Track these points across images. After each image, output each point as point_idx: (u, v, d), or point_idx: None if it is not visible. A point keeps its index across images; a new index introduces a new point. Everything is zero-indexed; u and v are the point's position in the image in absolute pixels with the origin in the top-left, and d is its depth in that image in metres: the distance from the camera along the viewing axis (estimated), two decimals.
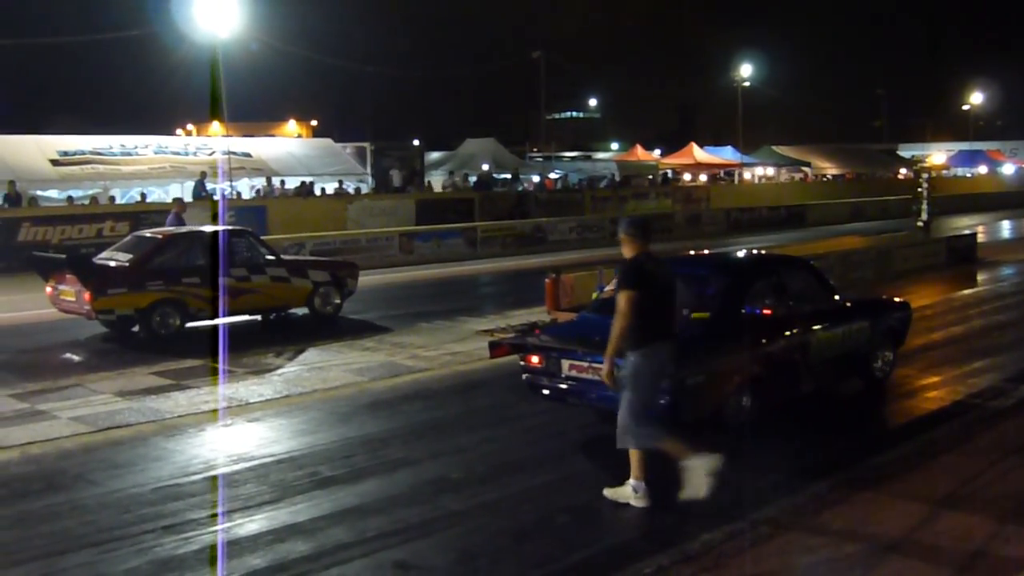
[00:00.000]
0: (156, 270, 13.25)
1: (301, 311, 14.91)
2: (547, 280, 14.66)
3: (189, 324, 13.45)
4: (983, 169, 63.19)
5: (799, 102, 76.06)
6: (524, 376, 8.71)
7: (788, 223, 36.11)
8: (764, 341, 8.48)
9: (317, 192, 30.38)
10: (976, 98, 75.27)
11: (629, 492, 6.78)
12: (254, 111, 60.47)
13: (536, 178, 42.10)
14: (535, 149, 57.54)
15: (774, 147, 58.23)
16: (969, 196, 45.50)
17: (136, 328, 13.37)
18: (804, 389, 9.01)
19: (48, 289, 13.90)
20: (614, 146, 76.08)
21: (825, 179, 55.24)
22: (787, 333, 8.72)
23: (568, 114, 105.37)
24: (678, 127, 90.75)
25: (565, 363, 8.23)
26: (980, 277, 19.87)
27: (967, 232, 24.80)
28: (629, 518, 6.63)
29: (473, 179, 35.21)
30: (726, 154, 55.20)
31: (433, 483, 7.34)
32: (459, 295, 17.80)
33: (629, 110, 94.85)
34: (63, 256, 14.30)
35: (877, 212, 39.65)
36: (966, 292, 17.94)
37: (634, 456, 6.77)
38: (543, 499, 7.09)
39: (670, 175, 48.72)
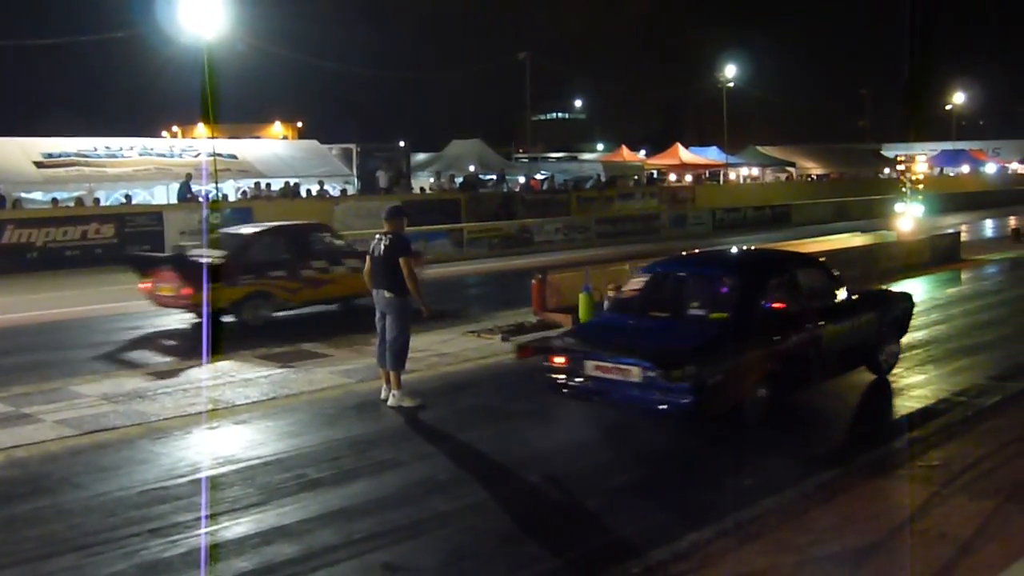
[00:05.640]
0: (247, 265, 14.01)
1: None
2: (533, 281, 14.69)
3: (277, 313, 14.30)
4: (966, 168, 63.54)
5: (784, 102, 76.28)
6: (547, 375, 8.91)
7: (773, 223, 36.21)
8: (779, 338, 8.74)
9: (303, 194, 30.29)
10: (959, 98, 75.68)
11: None
12: (240, 112, 60.22)
13: (522, 179, 42.13)
14: (521, 150, 57.58)
15: (759, 147, 58.41)
16: (952, 196, 45.61)
17: (228, 318, 13.92)
18: (816, 381, 9.38)
19: (146, 285, 14.48)
20: (599, 147, 76.09)
21: (810, 179, 55.41)
22: (801, 329, 8.97)
23: (554, 115, 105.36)
24: (663, 128, 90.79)
25: (590, 363, 8.47)
26: (963, 276, 19.98)
27: (950, 231, 24.92)
28: (617, 518, 6.64)
29: (459, 180, 35.20)
30: (711, 154, 55.32)
31: (420, 484, 7.33)
32: (445, 296, 17.71)
33: (615, 111, 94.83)
34: (163, 255, 15.08)
35: (862, 211, 39.75)
36: (950, 291, 18.04)
37: None
38: (531, 500, 7.10)
39: (655, 176, 48.80)
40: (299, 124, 66.20)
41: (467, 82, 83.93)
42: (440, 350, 12.29)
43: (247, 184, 30.52)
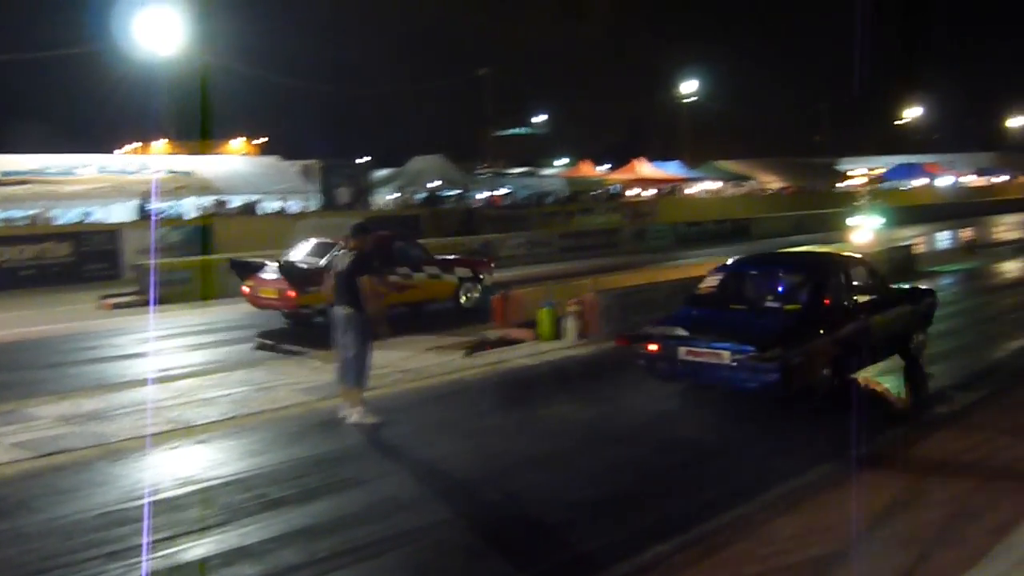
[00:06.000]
0: None
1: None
2: (494, 297, 14.72)
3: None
4: (920, 182, 64.39)
5: (744, 117, 77.00)
6: (640, 361, 10.20)
7: (734, 236, 36.41)
8: (841, 327, 10.09)
9: (265, 210, 30.12)
10: (912, 112, 76.85)
11: None
12: (201, 129, 59.69)
13: (484, 194, 42.20)
14: (485, 165, 57.68)
15: (719, 161, 58.97)
16: (908, 209, 46.10)
17: (320, 319, 14.74)
18: (865, 364, 10.74)
19: (245, 288, 15.80)
20: (562, 162, 76.33)
21: (769, 193, 55.93)
22: (856, 319, 10.35)
23: (517, 130, 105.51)
24: (626, 142, 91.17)
25: (682, 349, 9.70)
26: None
27: (904, 244, 25.22)
28: (582, 532, 6.65)
29: (421, 196, 35.18)
30: (672, 169, 55.77)
31: (384, 502, 7.30)
32: (408, 312, 17.60)
33: (578, 126, 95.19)
34: (263, 262, 16.16)
35: (820, 224, 39.99)
36: None
37: None
38: (495, 515, 7.10)
39: (618, 190, 49.09)
40: (261, 140, 65.84)
41: (430, 97, 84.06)
42: (402, 366, 12.23)
43: (209, 201, 30.30)
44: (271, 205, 31.34)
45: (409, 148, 51.93)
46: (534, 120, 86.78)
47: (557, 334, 13.55)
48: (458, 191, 40.57)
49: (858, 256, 12.89)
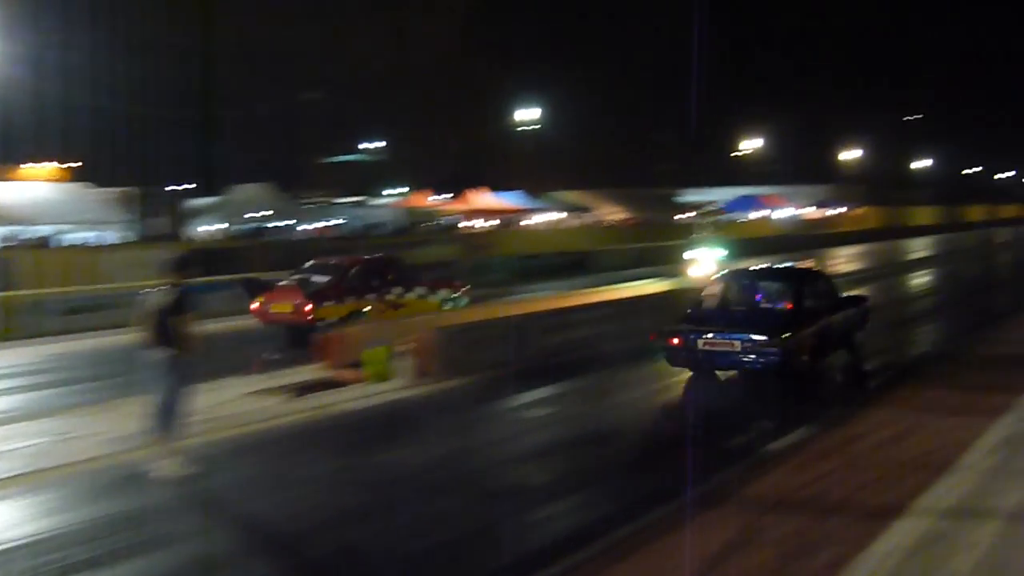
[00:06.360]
0: (348, 287, 17.07)
1: None
2: (323, 336, 13.96)
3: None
4: (759, 214, 66.24)
5: (585, 146, 78.02)
6: (664, 353, 12.56)
7: (575, 269, 35.22)
8: (816, 323, 12.74)
9: (71, 242, 28.30)
10: (749, 145, 79.34)
11: None
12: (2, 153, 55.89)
13: (312, 225, 41.37)
14: (319, 194, 56.64)
15: (560, 192, 59.41)
16: (749, 241, 45.74)
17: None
18: (828, 354, 13.46)
19: (255, 305, 17.14)
20: (398, 191, 75.70)
21: (610, 225, 56.16)
22: (823, 317, 13.06)
23: (347, 157, 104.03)
24: (466, 172, 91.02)
25: (700, 341, 12.09)
26: None
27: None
28: None
29: (243, 227, 34.09)
30: (513, 199, 55.87)
31: (199, 562, 6.85)
32: (227, 353, 16.22)
33: (416, 154, 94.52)
34: (274, 280, 17.82)
35: (662, 257, 39.04)
36: None
37: None
38: (318, 573, 6.79)
39: (454, 221, 48.87)
40: (74, 165, 62.37)
41: (256, 123, 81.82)
42: (218, 413, 11.26)
43: (6, 231, 28.16)
44: (82, 236, 29.45)
45: (233, 175, 50.36)
46: (368, 146, 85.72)
47: (390, 374, 12.99)
48: (286, 221, 39.54)
49: (818, 270, 16.56)
